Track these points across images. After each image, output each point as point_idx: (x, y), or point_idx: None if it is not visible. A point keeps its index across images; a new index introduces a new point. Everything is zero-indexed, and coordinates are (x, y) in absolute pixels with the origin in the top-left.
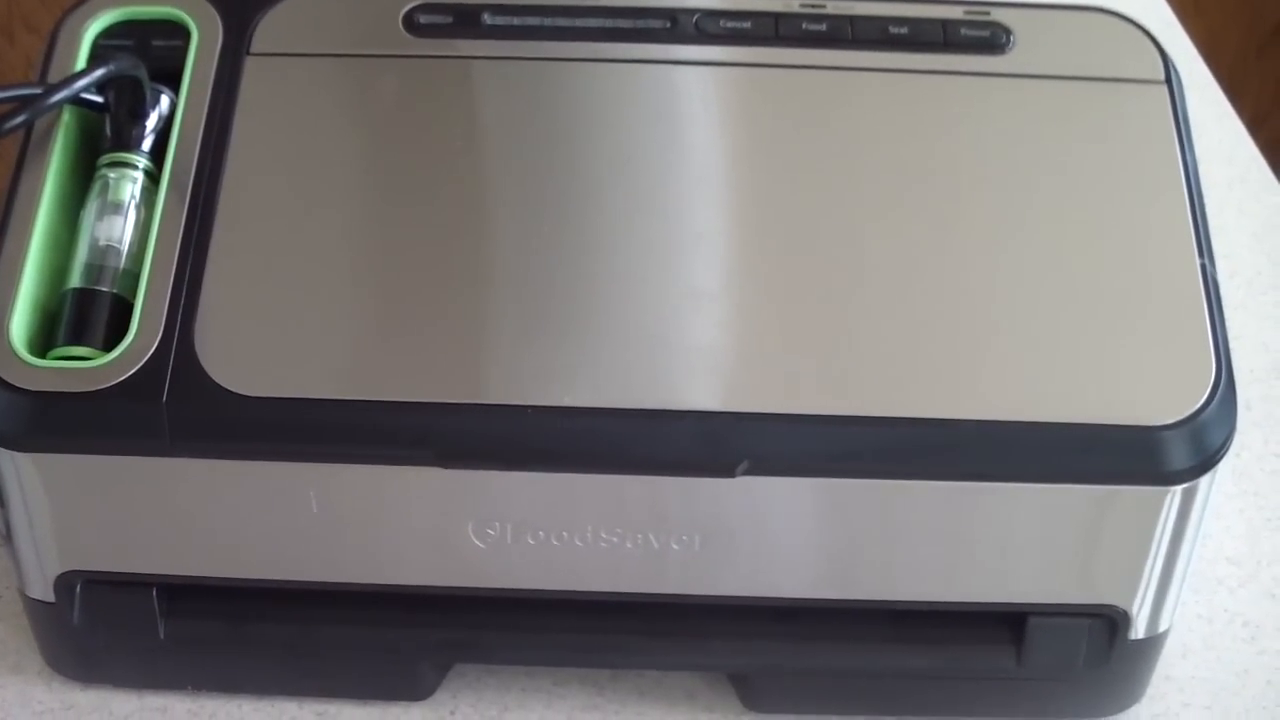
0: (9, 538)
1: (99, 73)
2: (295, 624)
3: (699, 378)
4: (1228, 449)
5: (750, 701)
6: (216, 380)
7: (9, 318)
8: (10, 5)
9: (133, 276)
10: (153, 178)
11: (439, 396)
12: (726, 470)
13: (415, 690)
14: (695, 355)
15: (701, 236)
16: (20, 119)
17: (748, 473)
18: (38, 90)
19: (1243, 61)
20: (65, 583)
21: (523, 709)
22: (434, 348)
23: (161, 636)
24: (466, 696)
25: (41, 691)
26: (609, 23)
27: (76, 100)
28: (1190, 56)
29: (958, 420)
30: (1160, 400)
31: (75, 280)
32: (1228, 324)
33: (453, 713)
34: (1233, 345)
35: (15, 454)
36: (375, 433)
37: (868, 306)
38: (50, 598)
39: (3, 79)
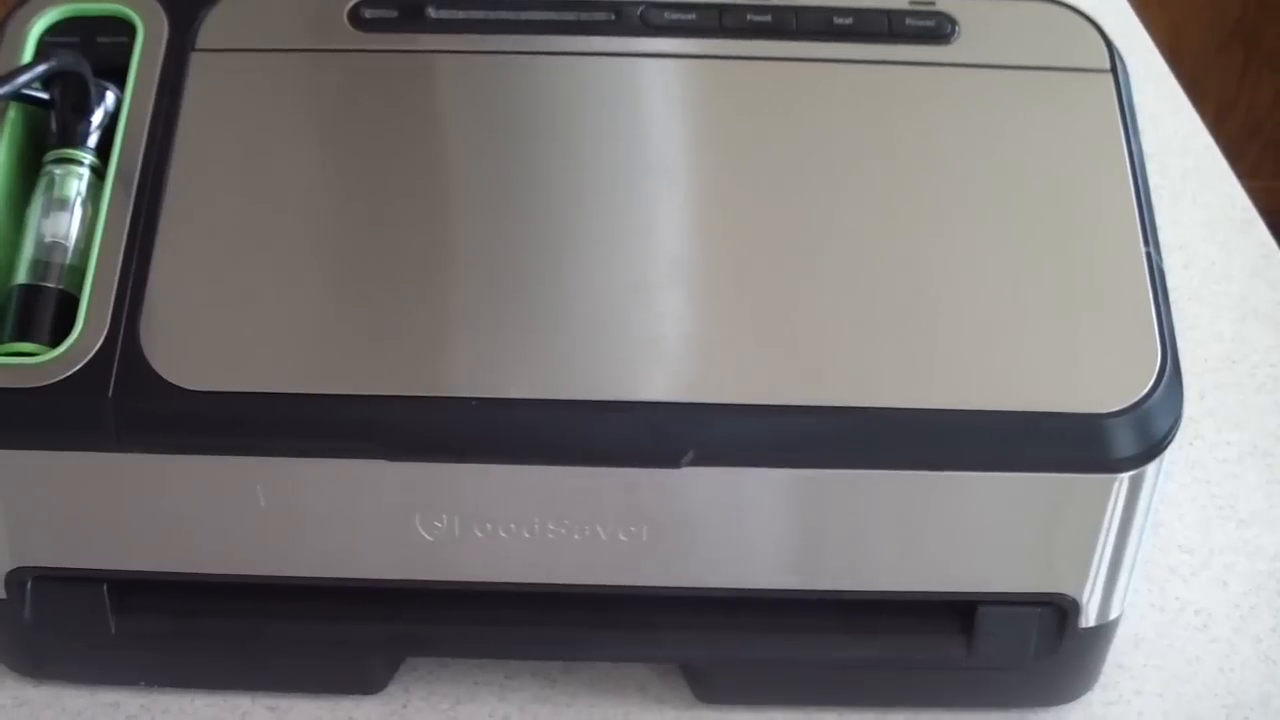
0: None
1: (40, 69)
2: (246, 618)
3: (645, 369)
4: (1174, 436)
5: (702, 693)
6: (162, 375)
7: None
8: None
9: (79, 272)
10: (98, 174)
11: (385, 389)
12: (672, 461)
13: (367, 684)
14: (642, 346)
15: (649, 228)
16: None
17: (693, 463)
18: None
19: (1204, 57)
20: (16, 579)
21: (474, 702)
22: (380, 341)
23: (113, 632)
24: (419, 690)
25: None
26: (554, 15)
27: (20, 96)
28: (1146, 48)
29: (904, 409)
30: (1106, 387)
31: (21, 276)
32: (1181, 314)
33: (405, 706)
34: (1186, 335)
35: None
36: (321, 426)
37: (814, 297)
38: (1, 594)
39: None
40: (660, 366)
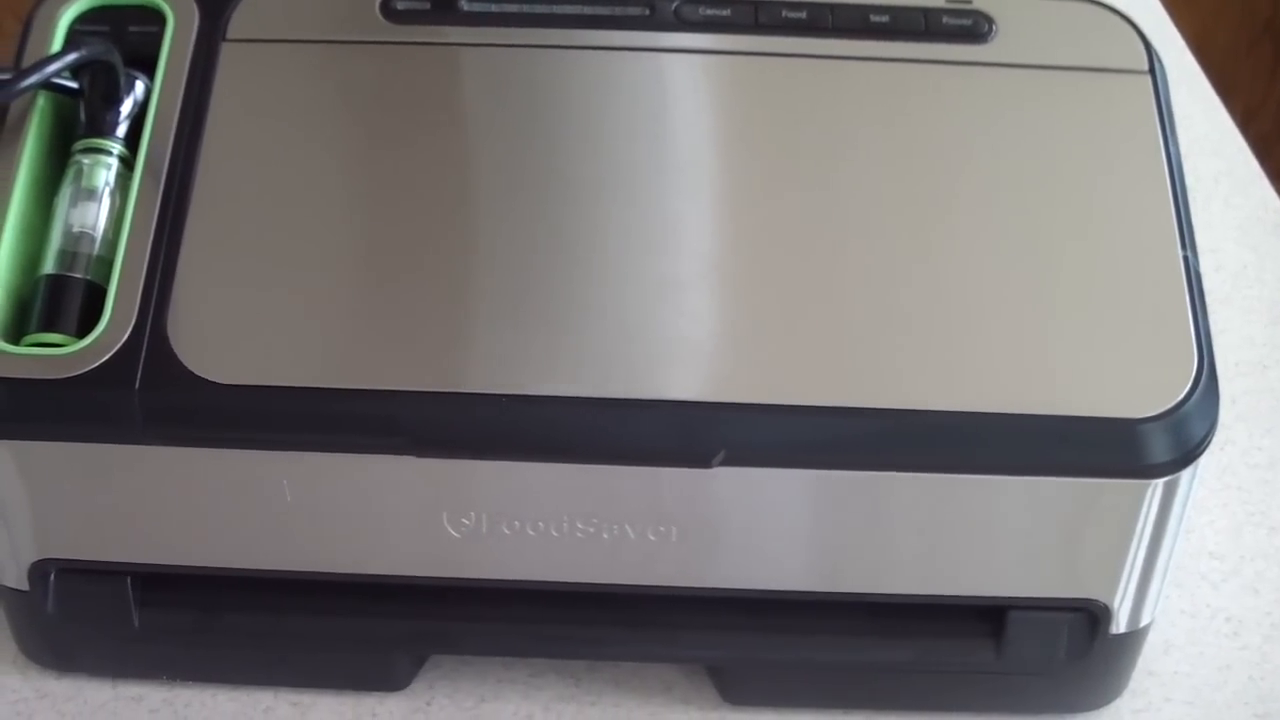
0: None
1: (71, 57)
2: (271, 614)
3: (676, 367)
4: (1209, 442)
5: (728, 694)
6: (190, 368)
7: None
8: None
9: (106, 263)
10: (127, 164)
11: (414, 385)
12: (703, 460)
13: (391, 681)
14: (672, 345)
15: (680, 225)
16: None
17: (724, 463)
18: (8, 75)
19: (1234, 57)
20: (39, 571)
21: (499, 700)
22: (410, 336)
23: (136, 626)
24: (443, 687)
25: (16, 680)
26: (588, 9)
27: (50, 85)
28: (1179, 49)
29: (938, 412)
30: (1142, 393)
31: (49, 267)
32: (1212, 318)
33: (429, 703)
34: (1217, 340)
35: None
36: (349, 421)
37: (847, 297)
38: (24, 586)
39: None
40: (692, 365)
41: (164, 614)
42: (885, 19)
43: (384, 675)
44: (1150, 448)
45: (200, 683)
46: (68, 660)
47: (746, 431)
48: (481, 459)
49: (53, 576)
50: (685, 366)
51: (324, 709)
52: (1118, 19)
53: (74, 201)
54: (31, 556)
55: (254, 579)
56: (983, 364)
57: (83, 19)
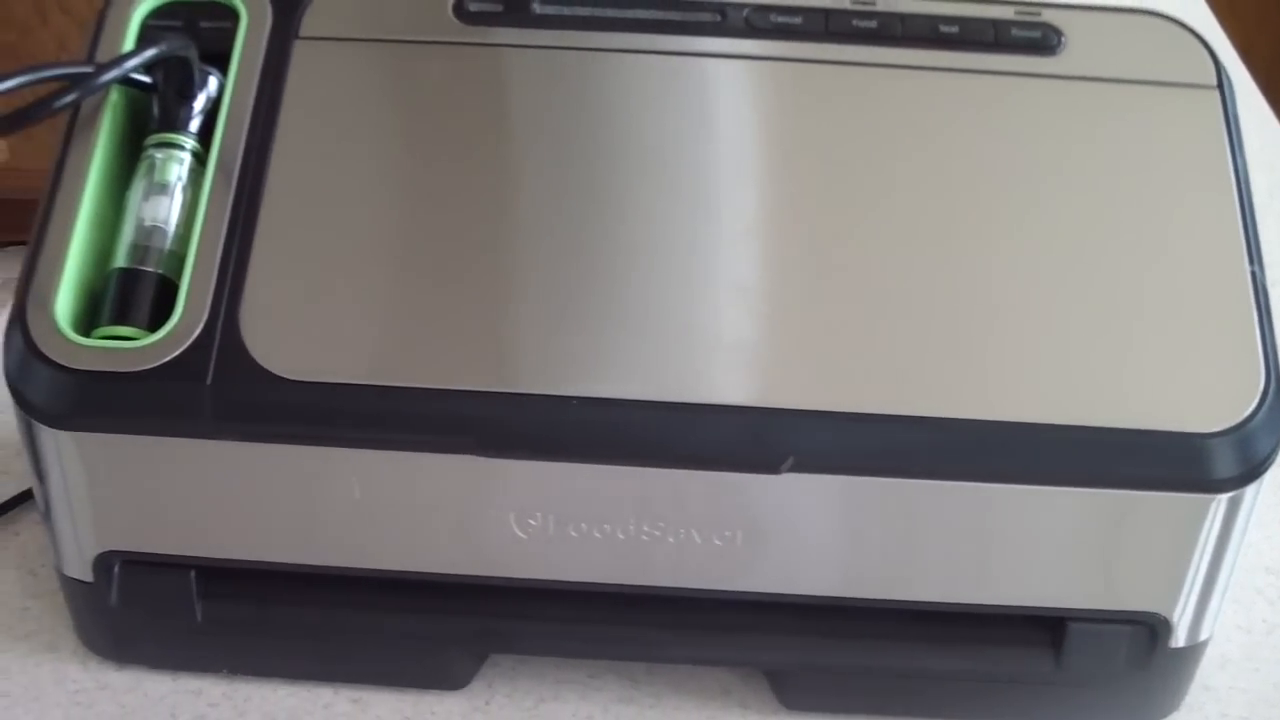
0: (47, 515)
1: (150, 52)
2: (333, 610)
3: (744, 372)
4: (1275, 457)
5: (786, 699)
6: (261, 363)
7: (54, 297)
8: None
9: (178, 258)
10: (199, 159)
11: (484, 385)
12: (771, 466)
13: (451, 679)
14: (741, 350)
15: (747, 231)
16: (71, 97)
17: (792, 469)
18: (89, 69)
19: (1277, 66)
20: (103, 563)
21: (558, 700)
22: (479, 336)
23: (199, 619)
24: (502, 687)
25: (76, 671)
26: (659, 14)
27: (125, 80)
28: (1232, 60)
29: (1007, 422)
30: (1208, 407)
31: (120, 260)
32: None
33: (488, 703)
34: None
35: (58, 432)
36: (420, 420)
37: (914, 305)
38: (88, 577)
39: (34, 59)
40: (760, 371)
41: (226, 607)
42: (955, 29)
43: (444, 673)
44: (1216, 462)
45: (260, 677)
46: (128, 652)
47: (814, 438)
48: (550, 460)
49: (117, 568)
50: (754, 372)
51: (383, 706)
52: (1185, 32)
53: (146, 195)
54: (96, 548)
55: (318, 574)
56: (1049, 375)
57: (156, 14)
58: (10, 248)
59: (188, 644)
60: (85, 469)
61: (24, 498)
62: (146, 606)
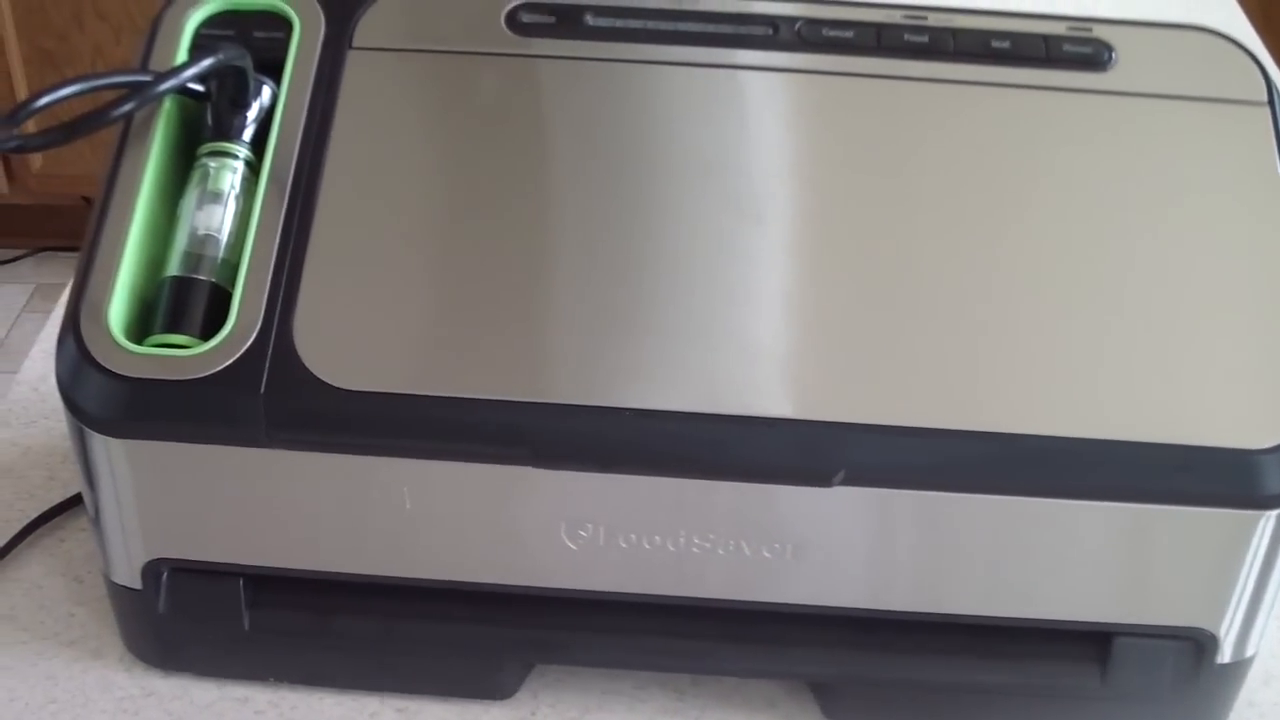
0: (96, 522)
1: (208, 62)
2: (380, 619)
3: (797, 386)
4: None
5: (831, 711)
6: (315, 373)
7: (107, 304)
8: None
9: (230, 266)
10: (252, 168)
11: (537, 396)
12: (823, 479)
13: (497, 689)
14: (793, 363)
15: (798, 244)
16: (129, 106)
17: (844, 483)
18: (147, 78)
19: None
20: (152, 570)
21: (603, 711)
22: (532, 347)
23: (246, 627)
24: (546, 697)
25: (122, 677)
26: (711, 27)
27: (181, 89)
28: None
29: (1055, 437)
30: (1258, 423)
31: (173, 268)
32: None
33: (533, 713)
34: None
35: (109, 439)
36: (472, 431)
37: (965, 321)
38: (136, 584)
39: (71, 65)
40: (812, 384)
41: (275, 616)
42: (1006, 44)
43: (490, 683)
44: (1265, 478)
45: (307, 686)
46: (175, 659)
47: (866, 452)
48: (603, 472)
49: (165, 576)
50: (806, 385)
51: (429, 715)
52: (1236, 49)
53: (199, 204)
54: (145, 556)
55: (365, 583)
56: (1100, 391)
57: (209, 23)
58: (42, 254)
59: (234, 652)
60: (136, 476)
61: (70, 504)
62: (194, 614)
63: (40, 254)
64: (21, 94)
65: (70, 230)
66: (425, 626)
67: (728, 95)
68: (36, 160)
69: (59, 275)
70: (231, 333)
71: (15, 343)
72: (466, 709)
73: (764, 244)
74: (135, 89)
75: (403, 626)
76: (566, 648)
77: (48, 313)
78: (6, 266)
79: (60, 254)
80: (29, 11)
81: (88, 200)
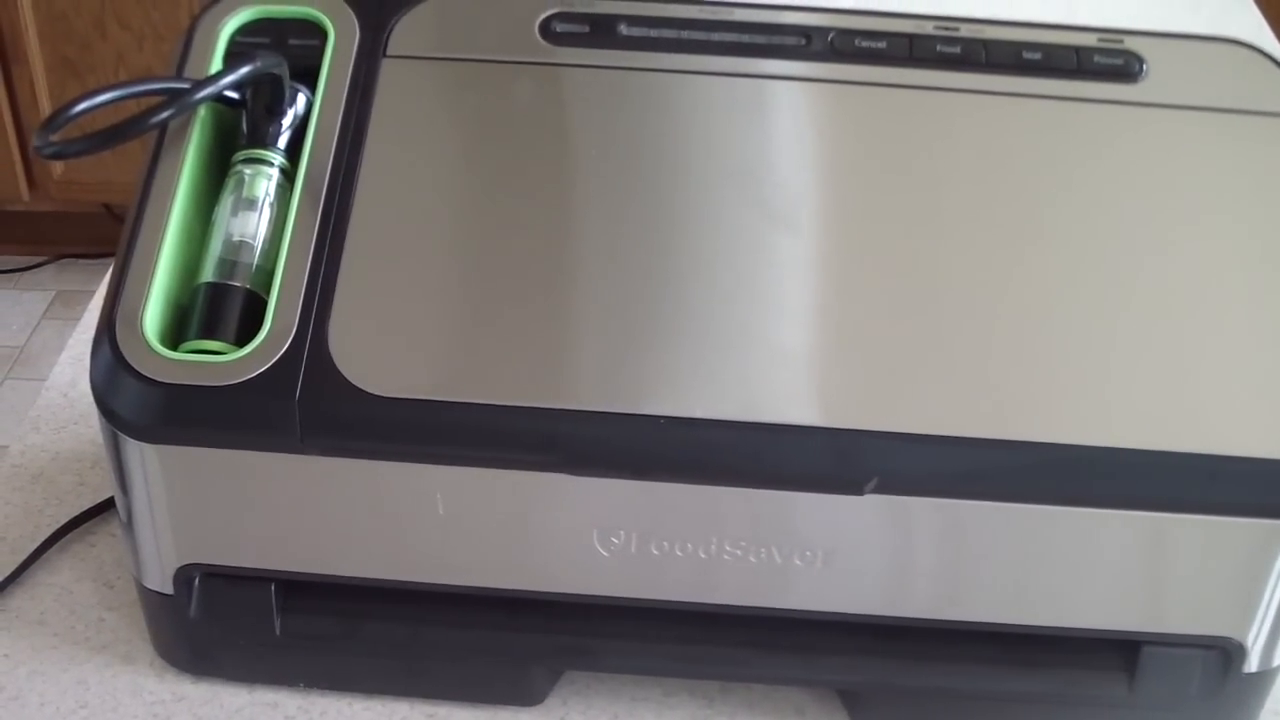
0: (128, 528)
1: (245, 70)
2: (411, 625)
3: (827, 394)
4: None
5: (859, 718)
6: (350, 379)
7: (142, 310)
8: (104, 1)
9: (265, 273)
10: (287, 175)
11: (570, 403)
12: (856, 487)
13: (527, 695)
14: (823, 371)
15: (830, 253)
16: (167, 113)
17: (876, 490)
18: (185, 85)
19: None
20: (184, 575)
21: (632, 717)
22: (565, 354)
23: (277, 632)
24: (576, 704)
25: (153, 682)
26: (745, 38)
27: (217, 96)
28: None
29: (1086, 447)
30: None
31: (208, 275)
32: None
33: (563, 719)
34: None
35: (143, 445)
36: (506, 437)
37: (996, 330)
38: (168, 589)
39: (93, 74)
40: (845, 392)
41: (306, 621)
42: (1038, 56)
43: (520, 689)
44: None
45: (336, 691)
46: (206, 664)
47: (898, 460)
48: (636, 479)
49: (197, 581)
50: (839, 393)
51: None
52: (1267, 61)
53: (235, 211)
54: (177, 561)
55: (397, 589)
56: (1132, 400)
57: (244, 30)
58: (63, 260)
59: (265, 657)
60: (169, 482)
61: (101, 509)
62: (226, 619)
63: (61, 260)
64: (44, 101)
65: (91, 237)
66: (455, 632)
67: (760, 105)
68: (58, 167)
69: (79, 282)
70: (266, 339)
71: (35, 349)
72: (496, 715)
73: (795, 252)
74: (172, 96)
75: (432, 632)
76: (596, 654)
77: (67, 319)
78: (27, 273)
79: (81, 261)
80: (51, 19)
81: (108, 207)
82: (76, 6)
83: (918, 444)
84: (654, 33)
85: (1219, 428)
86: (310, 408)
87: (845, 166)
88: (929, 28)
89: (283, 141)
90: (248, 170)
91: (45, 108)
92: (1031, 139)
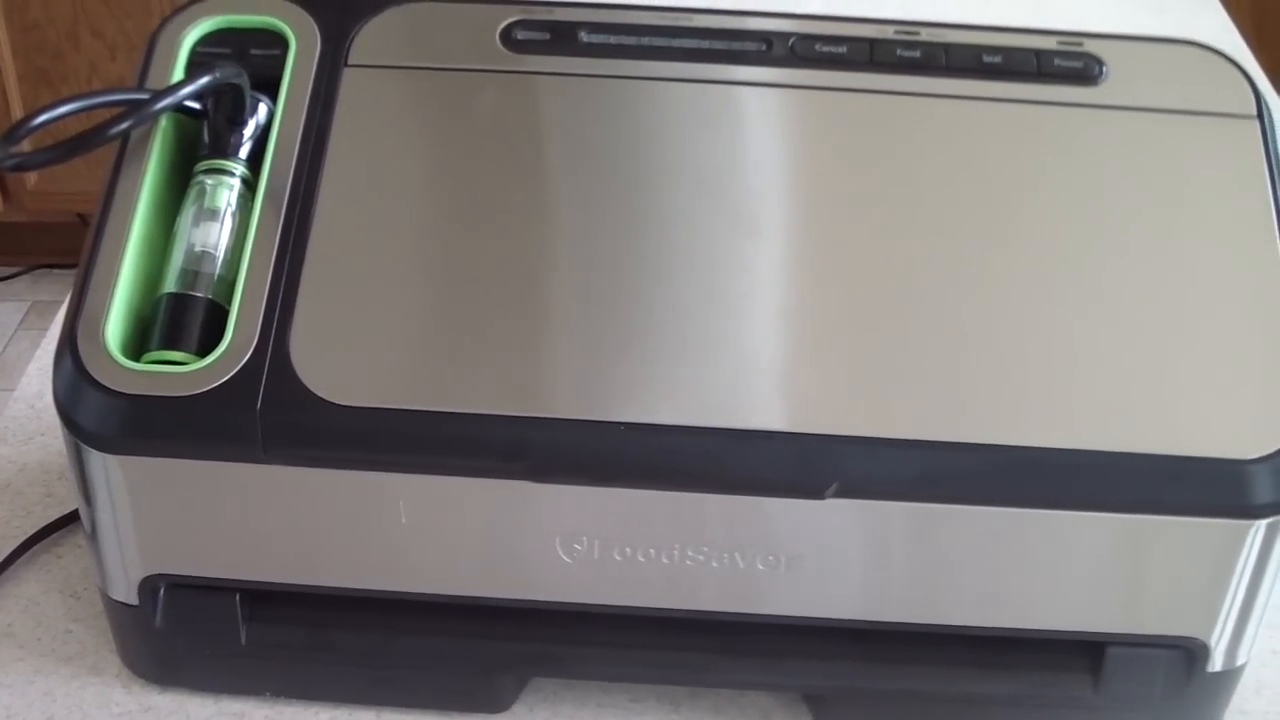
0: (93, 539)
1: (204, 80)
2: (377, 633)
3: (789, 399)
4: None
5: None
6: (311, 389)
7: (104, 321)
8: (76, 10)
9: (227, 283)
10: (249, 185)
11: (533, 410)
12: (816, 492)
13: (493, 702)
14: (785, 377)
15: (791, 259)
16: (127, 123)
17: (836, 495)
18: (144, 95)
19: None
20: (149, 586)
21: None
22: (527, 362)
23: (243, 642)
24: (543, 710)
25: (120, 693)
26: (705, 44)
27: (178, 106)
28: (1265, 90)
29: (1046, 449)
30: (1248, 433)
31: (170, 285)
32: None
33: None
34: None
35: (106, 456)
36: (468, 445)
37: (958, 333)
38: (133, 600)
39: (66, 84)
40: (804, 397)
41: (271, 630)
42: (998, 59)
43: (486, 697)
44: (1257, 488)
45: (303, 700)
46: (172, 674)
47: (859, 464)
48: (598, 485)
49: (162, 591)
50: (799, 398)
51: None
52: (1225, 63)
53: (196, 221)
54: (142, 572)
55: (362, 598)
56: (1091, 402)
57: (205, 40)
58: (37, 271)
59: (231, 667)
60: (133, 493)
61: (67, 521)
62: (191, 629)
63: (35, 271)
64: (17, 112)
65: (65, 248)
66: (421, 640)
67: (722, 111)
68: (31, 178)
69: (54, 293)
70: (228, 349)
71: (10, 360)
72: None
73: (758, 258)
74: (132, 107)
75: (399, 640)
76: (562, 661)
77: (43, 330)
78: (2, 284)
79: (55, 271)
80: (24, 29)
81: (83, 218)
82: (49, 16)
83: (880, 448)
84: (615, 39)
85: (1182, 429)
86: (272, 418)
87: (806, 171)
88: (889, 32)
89: (244, 151)
90: (209, 180)
91: (18, 118)
92: (992, 142)
